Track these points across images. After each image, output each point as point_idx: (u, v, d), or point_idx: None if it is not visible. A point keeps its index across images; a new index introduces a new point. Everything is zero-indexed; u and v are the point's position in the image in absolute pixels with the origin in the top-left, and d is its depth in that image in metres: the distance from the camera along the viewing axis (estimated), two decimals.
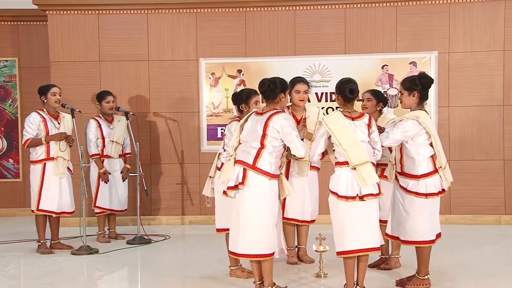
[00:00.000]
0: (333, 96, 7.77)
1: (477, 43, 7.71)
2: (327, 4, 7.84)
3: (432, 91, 7.71)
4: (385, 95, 5.62)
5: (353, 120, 4.45)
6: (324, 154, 4.60)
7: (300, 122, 5.34)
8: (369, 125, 4.48)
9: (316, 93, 7.84)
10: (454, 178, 4.82)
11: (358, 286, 4.44)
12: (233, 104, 5.34)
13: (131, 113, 7.14)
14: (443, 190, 4.70)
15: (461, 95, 7.72)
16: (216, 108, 7.97)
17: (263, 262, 4.41)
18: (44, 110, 6.38)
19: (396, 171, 4.75)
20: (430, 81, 4.76)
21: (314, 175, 5.62)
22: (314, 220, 5.69)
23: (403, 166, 4.68)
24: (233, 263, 5.16)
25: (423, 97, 4.75)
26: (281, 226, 4.71)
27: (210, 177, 5.33)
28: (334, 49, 7.85)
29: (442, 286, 4.81)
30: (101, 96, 7.02)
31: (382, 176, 5.22)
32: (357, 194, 4.33)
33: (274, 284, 4.49)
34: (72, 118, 6.34)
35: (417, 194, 4.60)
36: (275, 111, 4.46)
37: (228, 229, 4.72)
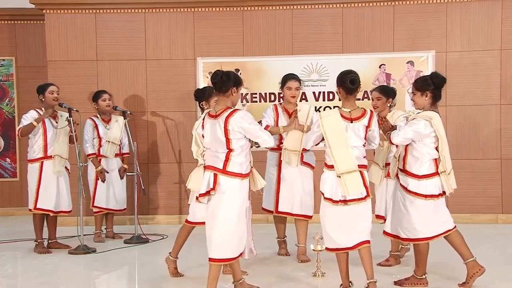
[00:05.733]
0: (331, 95, 7.80)
1: (474, 43, 7.72)
2: (325, 4, 7.85)
3: None
4: (392, 88, 5.62)
5: (351, 122, 4.38)
6: (318, 144, 4.59)
7: (292, 115, 5.63)
8: (367, 126, 4.42)
9: (314, 92, 7.85)
10: None
11: (351, 283, 4.46)
12: (195, 99, 5.41)
13: (128, 112, 7.13)
14: (444, 192, 4.68)
15: (458, 94, 7.73)
16: None
17: (211, 267, 4.39)
18: (42, 109, 6.37)
19: (398, 167, 4.73)
20: (443, 80, 4.73)
21: (307, 171, 5.70)
22: (309, 216, 5.72)
23: (406, 164, 4.66)
24: None
25: (436, 97, 4.71)
26: (250, 226, 4.75)
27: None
28: (332, 48, 7.85)
29: (439, 285, 4.81)
30: (97, 96, 7.01)
31: (387, 175, 5.27)
32: (340, 199, 4.34)
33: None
34: (70, 117, 6.33)
35: (417, 195, 4.59)
36: (230, 111, 4.33)
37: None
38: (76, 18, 7.99)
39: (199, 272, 5.34)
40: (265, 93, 7.89)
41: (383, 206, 5.43)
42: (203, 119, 4.53)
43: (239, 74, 7.89)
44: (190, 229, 5.24)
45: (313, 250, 5.17)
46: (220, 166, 4.33)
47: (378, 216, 5.50)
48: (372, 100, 5.45)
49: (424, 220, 4.61)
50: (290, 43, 7.91)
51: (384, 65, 7.82)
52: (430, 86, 4.66)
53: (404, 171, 4.67)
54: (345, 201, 4.35)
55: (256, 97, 7.92)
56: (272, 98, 7.85)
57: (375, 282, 4.37)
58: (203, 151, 4.53)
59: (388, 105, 5.43)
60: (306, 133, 5.23)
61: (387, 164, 5.29)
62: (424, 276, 4.72)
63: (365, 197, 4.37)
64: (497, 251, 6.36)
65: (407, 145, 4.67)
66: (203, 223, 4.59)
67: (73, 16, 7.99)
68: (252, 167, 4.49)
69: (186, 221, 5.23)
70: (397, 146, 4.87)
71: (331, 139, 4.36)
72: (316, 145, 4.64)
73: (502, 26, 7.67)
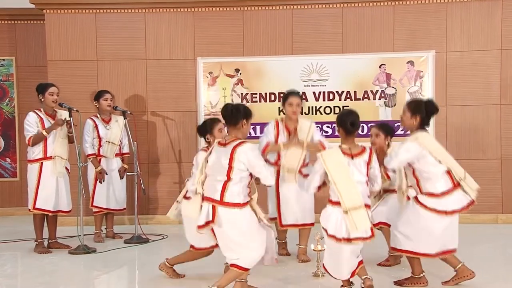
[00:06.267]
0: (331, 95, 7.81)
1: (474, 42, 7.72)
2: (325, 3, 7.85)
3: (430, 90, 7.74)
4: (392, 127, 5.51)
5: (352, 158, 4.33)
6: (320, 187, 4.46)
7: (292, 133, 5.67)
8: (368, 163, 4.36)
9: (314, 92, 7.85)
10: None
11: (352, 283, 4.46)
12: (199, 135, 5.36)
13: (128, 112, 7.12)
14: (473, 201, 4.65)
15: (458, 94, 7.73)
16: (213, 107, 7.97)
17: (232, 270, 4.45)
18: (41, 109, 6.36)
19: (417, 194, 4.69)
20: (435, 110, 4.72)
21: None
22: (312, 224, 5.75)
23: (422, 188, 4.63)
24: None
25: (424, 123, 4.70)
26: (274, 236, 4.73)
27: (177, 201, 5.28)
28: (332, 48, 7.85)
29: (439, 285, 4.82)
30: (99, 95, 7.02)
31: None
32: (343, 237, 4.24)
33: None
34: (70, 117, 6.32)
35: (438, 212, 4.54)
36: (239, 141, 4.40)
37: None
38: (76, 18, 7.99)
39: (199, 272, 5.34)
40: (265, 93, 7.89)
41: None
42: (212, 148, 4.58)
43: (239, 74, 7.93)
44: (199, 255, 5.14)
45: (313, 250, 5.18)
46: (218, 196, 4.37)
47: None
48: (371, 136, 5.43)
49: (435, 235, 4.59)
50: (290, 43, 7.91)
51: (384, 65, 7.82)
52: (422, 113, 4.66)
53: (423, 194, 4.63)
54: (349, 240, 4.26)
55: (256, 97, 7.92)
56: (272, 98, 7.85)
57: (370, 278, 4.39)
58: (204, 179, 4.54)
59: (387, 142, 5.37)
60: (307, 167, 5.52)
61: (386, 191, 5.30)
62: (422, 275, 4.74)
63: (370, 237, 4.31)
64: (497, 251, 6.37)
65: (414, 172, 4.65)
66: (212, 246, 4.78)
67: (73, 16, 7.99)
68: (251, 199, 4.48)
69: (192, 247, 5.08)
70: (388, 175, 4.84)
71: (334, 174, 4.28)
72: (318, 190, 4.48)
73: (502, 26, 7.67)
